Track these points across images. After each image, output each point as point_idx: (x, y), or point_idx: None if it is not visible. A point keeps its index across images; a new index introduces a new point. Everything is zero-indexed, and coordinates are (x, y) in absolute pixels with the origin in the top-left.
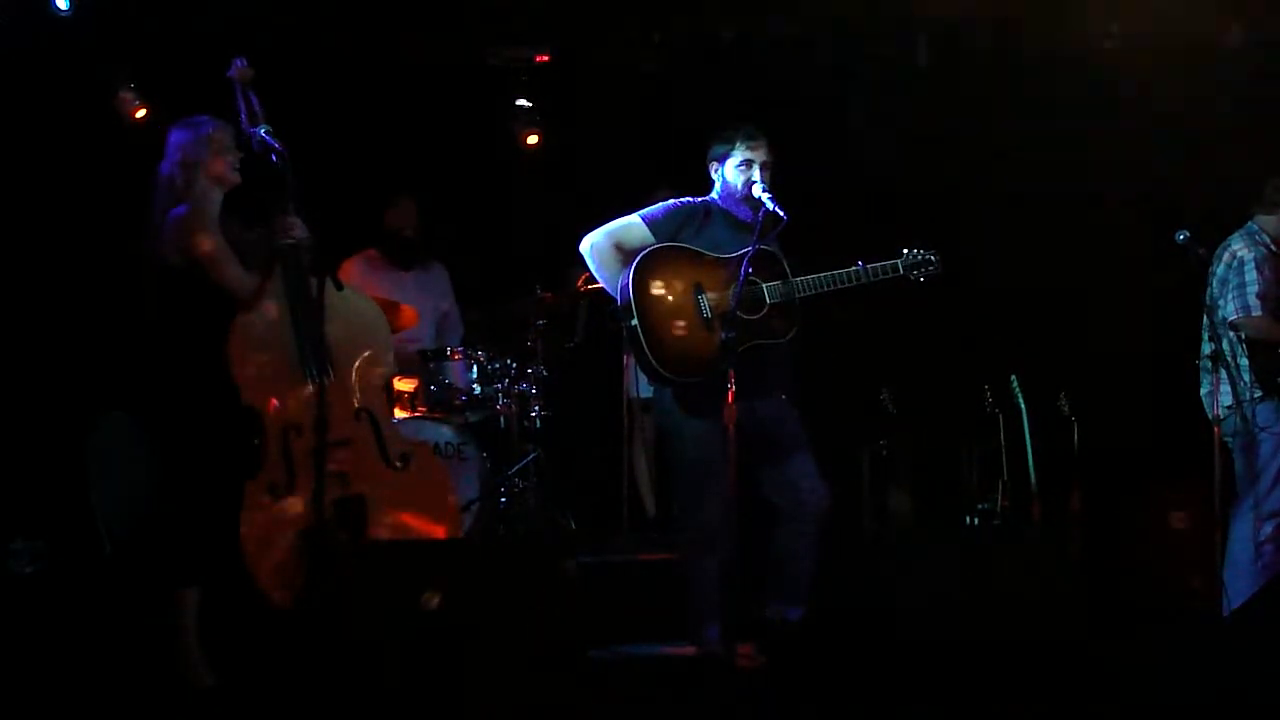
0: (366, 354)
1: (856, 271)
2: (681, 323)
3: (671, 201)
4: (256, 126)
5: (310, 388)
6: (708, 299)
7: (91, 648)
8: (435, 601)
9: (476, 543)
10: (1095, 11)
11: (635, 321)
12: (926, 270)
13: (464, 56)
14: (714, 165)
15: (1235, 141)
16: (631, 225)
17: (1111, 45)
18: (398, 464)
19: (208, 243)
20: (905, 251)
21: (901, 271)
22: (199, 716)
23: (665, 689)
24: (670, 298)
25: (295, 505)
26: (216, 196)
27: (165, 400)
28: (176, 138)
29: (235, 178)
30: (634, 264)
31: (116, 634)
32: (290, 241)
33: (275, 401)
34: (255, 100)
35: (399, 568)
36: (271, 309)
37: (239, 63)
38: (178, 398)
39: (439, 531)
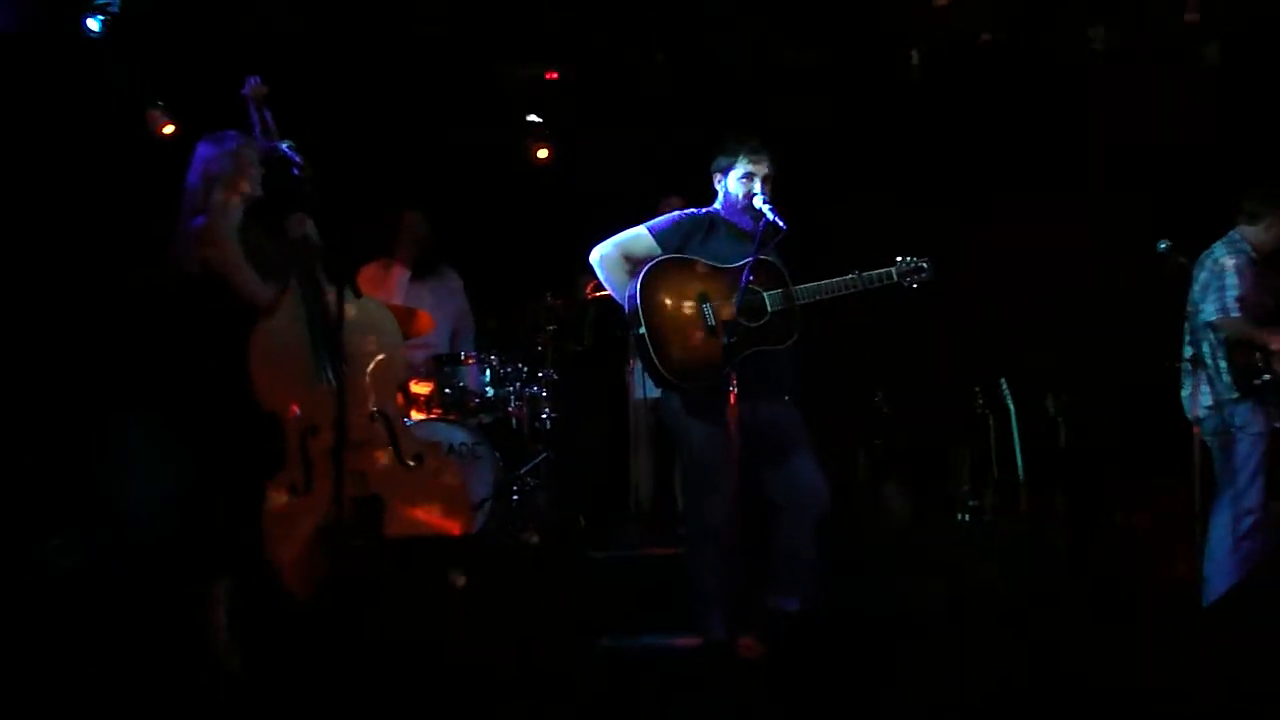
0: (381, 358)
1: (853, 279)
2: (687, 331)
3: (677, 214)
4: (274, 141)
5: (327, 391)
6: (712, 307)
7: (127, 639)
8: (461, 581)
9: (489, 540)
10: (1085, 18)
11: (643, 330)
12: (919, 277)
13: (478, 74)
14: (718, 177)
15: (1220, 151)
16: (639, 236)
17: (1100, 50)
18: (411, 463)
19: (222, 252)
20: (899, 260)
21: (896, 279)
22: (229, 704)
23: (671, 677)
24: (676, 307)
25: (314, 504)
26: (236, 208)
27: (190, 404)
28: (203, 151)
29: (257, 190)
30: (641, 275)
31: (151, 625)
32: (301, 234)
33: (294, 405)
34: (269, 116)
35: (415, 563)
36: (290, 316)
37: (253, 80)
38: (202, 401)
39: (453, 528)
